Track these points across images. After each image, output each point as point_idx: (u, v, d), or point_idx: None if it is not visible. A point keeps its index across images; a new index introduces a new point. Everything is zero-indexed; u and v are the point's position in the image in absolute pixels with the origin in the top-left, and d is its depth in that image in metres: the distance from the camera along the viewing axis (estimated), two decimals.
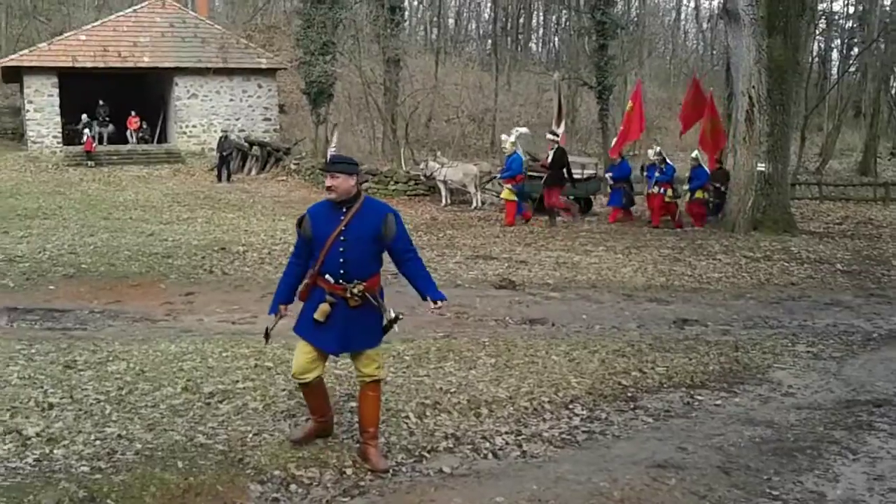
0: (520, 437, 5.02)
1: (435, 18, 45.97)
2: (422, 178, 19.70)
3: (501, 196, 16.17)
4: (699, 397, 5.94)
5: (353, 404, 5.27)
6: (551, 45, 51.36)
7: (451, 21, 50.18)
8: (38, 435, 4.55)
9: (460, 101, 33.67)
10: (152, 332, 7.38)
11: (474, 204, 18.00)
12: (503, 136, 16.52)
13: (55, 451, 4.36)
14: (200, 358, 6.17)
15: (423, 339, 7.10)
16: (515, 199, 15.29)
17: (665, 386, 6.18)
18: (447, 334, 7.45)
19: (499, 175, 16.57)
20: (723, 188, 16.17)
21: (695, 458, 4.72)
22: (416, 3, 48.17)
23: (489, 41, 46.45)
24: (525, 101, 34.50)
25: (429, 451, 4.72)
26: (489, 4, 47.82)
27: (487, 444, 4.88)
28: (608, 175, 16.84)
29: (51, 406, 5.00)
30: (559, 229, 14.88)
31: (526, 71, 39.68)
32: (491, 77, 34.61)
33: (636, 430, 5.26)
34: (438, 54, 35.79)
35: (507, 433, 5.06)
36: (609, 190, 16.70)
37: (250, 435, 4.71)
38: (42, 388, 5.34)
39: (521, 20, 49.17)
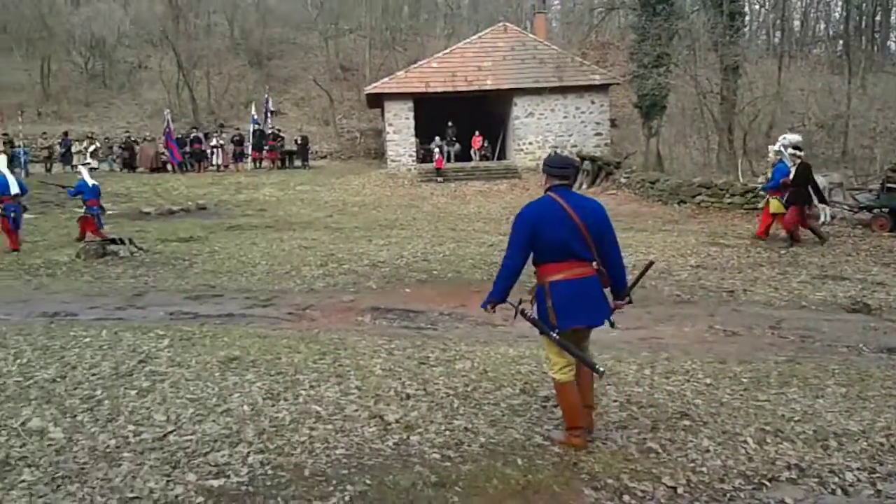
0: (874, 475, 4.53)
1: (778, 21, 43.04)
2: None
3: (766, 207, 14.73)
4: None
5: (686, 423, 5.18)
6: None
7: (796, 23, 46.60)
8: (397, 421, 5.08)
9: (807, 108, 31.05)
10: (493, 335, 7.90)
11: (822, 218, 16.47)
12: (770, 146, 15.07)
13: (411, 438, 4.83)
14: (536, 363, 6.48)
15: (763, 362, 6.72)
16: (782, 212, 13.79)
17: None
18: (790, 358, 6.96)
19: (762, 187, 15.15)
20: None
21: None
22: (757, 6, 45.57)
23: (840, 42, 42.30)
24: (883, 105, 30.71)
25: (769, 480, 4.46)
26: (840, 3, 43.62)
27: (836, 479, 4.48)
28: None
29: (408, 396, 5.57)
30: None
31: (884, 72, 35.40)
32: (842, 80, 31.45)
33: None
34: (782, 59, 33.42)
35: (858, 469, 4.60)
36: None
37: None
38: (400, 379, 5.96)
39: (878, 17, 43.99)
